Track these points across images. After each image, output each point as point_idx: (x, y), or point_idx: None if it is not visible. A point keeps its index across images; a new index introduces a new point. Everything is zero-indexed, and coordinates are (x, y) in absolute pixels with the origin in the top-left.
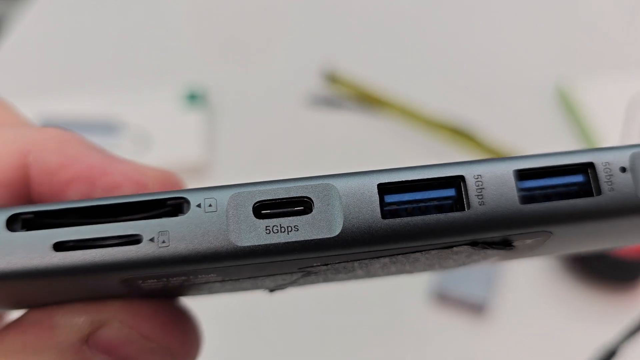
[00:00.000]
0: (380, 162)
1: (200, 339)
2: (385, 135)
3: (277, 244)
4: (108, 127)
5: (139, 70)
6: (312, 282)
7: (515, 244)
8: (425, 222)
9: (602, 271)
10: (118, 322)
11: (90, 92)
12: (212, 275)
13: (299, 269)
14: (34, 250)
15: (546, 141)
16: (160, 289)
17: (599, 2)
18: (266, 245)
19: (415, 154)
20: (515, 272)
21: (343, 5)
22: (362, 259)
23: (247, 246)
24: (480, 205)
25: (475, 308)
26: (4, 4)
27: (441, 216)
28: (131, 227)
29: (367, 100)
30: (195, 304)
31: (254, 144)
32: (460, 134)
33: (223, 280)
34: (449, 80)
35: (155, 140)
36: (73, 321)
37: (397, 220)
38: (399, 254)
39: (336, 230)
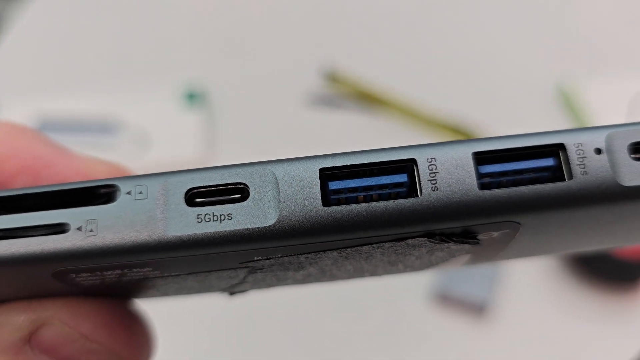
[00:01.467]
0: None
1: (151, 343)
2: (385, 135)
3: (207, 233)
4: (107, 127)
5: (138, 69)
6: (266, 283)
7: (480, 237)
8: (371, 210)
9: (603, 272)
10: (59, 321)
11: (89, 92)
12: (147, 269)
13: (240, 263)
14: None
15: None
16: (100, 285)
17: (601, 1)
18: (196, 235)
19: None
20: (517, 273)
21: (343, 4)
22: (306, 253)
23: (176, 236)
24: (433, 191)
25: (476, 308)
26: (1, 4)
27: (389, 203)
28: (58, 216)
29: (367, 100)
30: (186, 306)
31: (254, 143)
32: (460, 133)
33: (163, 276)
34: (449, 80)
35: (154, 140)
36: (13, 320)
37: (340, 208)
38: (347, 247)
39: (271, 220)
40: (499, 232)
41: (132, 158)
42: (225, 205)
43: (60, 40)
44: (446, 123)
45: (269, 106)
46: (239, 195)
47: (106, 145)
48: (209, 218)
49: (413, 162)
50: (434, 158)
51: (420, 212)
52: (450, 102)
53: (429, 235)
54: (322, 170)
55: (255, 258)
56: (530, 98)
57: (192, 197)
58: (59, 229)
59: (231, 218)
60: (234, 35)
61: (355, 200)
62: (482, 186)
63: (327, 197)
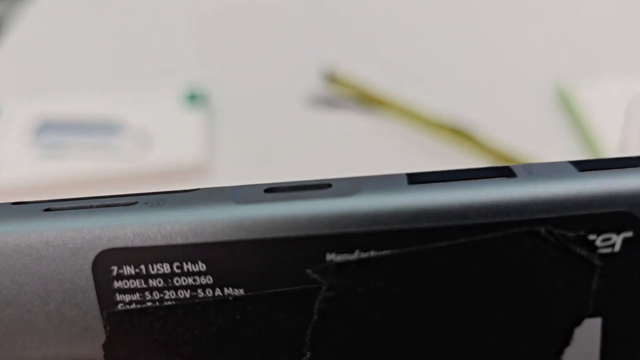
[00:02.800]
0: (380, 162)
1: None
2: (385, 135)
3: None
4: (108, 128)
5: (139, 70)
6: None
7: (599, 246)
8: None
9: None
10: None
11: (90, 93)
12: (200, 266)
13: (310, 276)
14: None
15: (546, 141)
16: (140, 315)
17: (600, 2)
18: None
19: (415, 154)
20: None
21: (343, 5)
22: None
23: (245, 206)
24: (529, 173)
25: None
26: (3, 5)
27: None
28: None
29: (367, 101)
30: None
31: (255, 144)
32: (460, 134)
33: (212, 300)
34: (448, 81)
35: (155, 141)
36: None
37: (427, 185)
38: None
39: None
40: (620, 237)
41: (133, 159)
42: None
43: (62, 42)
44: (445, 124)
45: (270, 107)
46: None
47: (107, 146)
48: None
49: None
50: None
51: (519, 191)
52: (450, 103)
53: (531, 224)
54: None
55: (328, 258)
56: (529, 99)
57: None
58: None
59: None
60: (235, 36)
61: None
62: (581, 168)
63: (413, 177)
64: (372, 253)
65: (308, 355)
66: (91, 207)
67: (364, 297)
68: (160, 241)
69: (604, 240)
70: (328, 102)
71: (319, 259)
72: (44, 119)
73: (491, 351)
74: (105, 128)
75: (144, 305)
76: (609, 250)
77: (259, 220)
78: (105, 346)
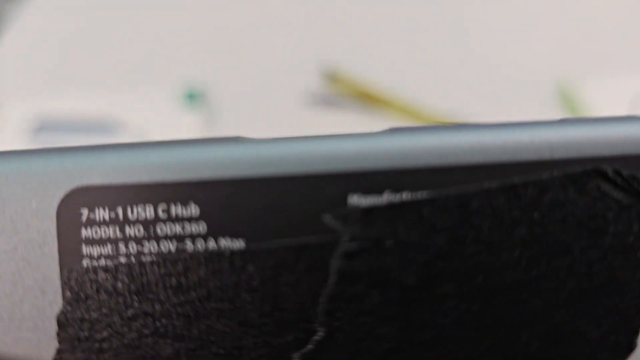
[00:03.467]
0: None
1: None
2: None
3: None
4: (105, 127)
5: (137, 69)
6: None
7: None
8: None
9: None
10: None
11: (88, 92)
12: (192, 208)
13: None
14: None
15: None
16: (109, 277)
17: (603, 0)
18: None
19: None
20: None
21: (343, 4)
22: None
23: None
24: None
25: None
26: (0, 3)
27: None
28: None
29: (368, 100)
30: None
31: None
32: None
33: (203, 255)
34: (449, 79)
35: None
36: None
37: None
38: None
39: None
40: None
41: None
42: None
43: (60, 40)
44: (446, 123)
45: (269, 106)
46: None
47: None
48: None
49: None
50: None
51: (578, 127)
52: (451, 102)
53: (594, 162)
54: None
55: (350, 202)
56: (531, 97)
57: None
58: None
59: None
60: (234, 34)
61: None
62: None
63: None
64: (406, 195)
65: (321, 333)
66: (65, 149)
67: (395, 252)
68: (143, 177)
69: None
70: (328, 101)
71: (339, 202)
72: (41, 118)
73: (549, 333)
74: (103, 127)
75: (115, 262)
76: None
77: (266, 153)
78: (59, 318)
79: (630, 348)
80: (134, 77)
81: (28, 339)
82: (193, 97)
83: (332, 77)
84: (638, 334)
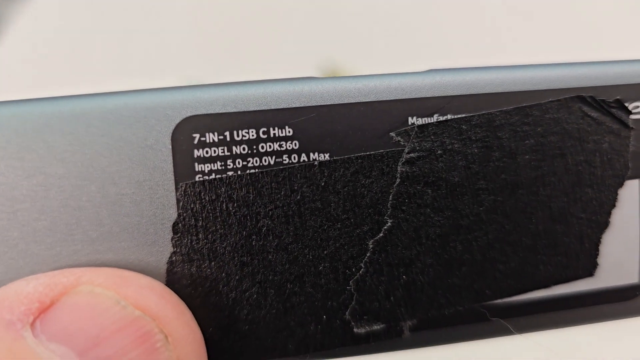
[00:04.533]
0: None
1: (198, 331)
2: None
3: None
4: None
5: (137, 69)
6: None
7: (633, 112)
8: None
9: None
10: (88, 284)
11: (87, 92)
12: (287, 130)
13: (392, 138)
14: None
15: None
16: (220, 185)
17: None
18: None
19: None
20: None
21: (344, 3)
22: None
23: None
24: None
25: None
26: (1, 3)
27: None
28: None
29: None
30: None
31: None
32: None
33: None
34: None
35: None
36: (16, 289)
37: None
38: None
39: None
40: None
41: None
42: None
43: (60, 40)
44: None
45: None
46: None
47: None
48: None
49: None
50: None
51: (567, 67)
52: None
53: (578, 91)
54: None
55: (410, 122)
56: None
57: None
58: None
59: None
60: (234, 34)
61: None
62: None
63: None
64: (449, 116)
65: (389, 223)
66: (175, 87)
67: (443, 159)
68: (247, 107)
69: (635, 107)
70: None
71: (402, 123)
72: None
73: (552, 215)
74: None
75: (224, 175)
76: (638, 116)
77: (345, 86)
78: (175, 225)
79: (605, 226)
80: (134, 77)
81: (147, 246)
82: None
83: (332, 75)
84: (610, 214)
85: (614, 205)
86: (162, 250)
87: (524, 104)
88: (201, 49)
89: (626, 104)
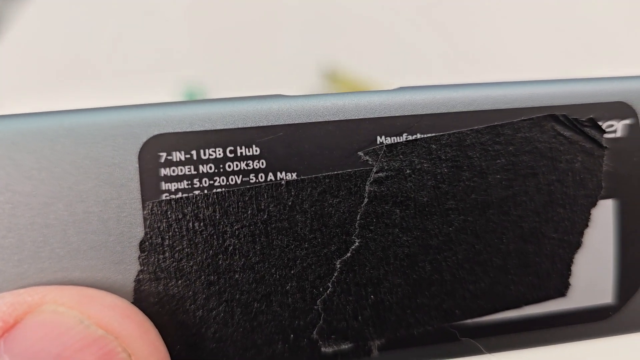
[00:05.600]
0: None
1: (163, 350)
2: None
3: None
4: None
5: (137, 69)
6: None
7: (606, 131)
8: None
9: None
10: (52, 304)
11: (88, 92)
12: (254, 149)
13: (360, 156)
14: None
15: None
16: (186, 204)
17: (602, 1)
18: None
19: None
20: None
21: (344, 3)
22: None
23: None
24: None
25: None
26: (0, 3)
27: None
28: None
29: None
30: None
31: None
32: None
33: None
34: (449, 78)
35: None
36: None
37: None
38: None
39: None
40: (620, 124)
41: None
42: None
43: (60, 41)
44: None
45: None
46: None
47: None
48: None
49: None
50: None
51: (540, 85)
52: None
53: (550, 110)
54: None
55: (379, 141)
56: None
57: None
58: None
59: None
60: (234, 35)
61: None
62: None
63: None
64: (419, 135)
65: (357, 243)
66: (142, 105)
67: (412, 179)
68: (214, 125)
69: (608, 126)
70: None
71: (371, 142)
72: None
73: (523, 235)
74: None
75: (191, 194)
76: (612, 135)
77: (313, 105)
78: (141, 244)
79: (577, 246)
80: (134, 77)
81: (114, 264)
82: (193, 97)
83: (332, 77)
84: (582, 235)
85: (586, 225)
86: (129, 268)
87: (496, 123)
88: (200, 53)
89: (600, 123)
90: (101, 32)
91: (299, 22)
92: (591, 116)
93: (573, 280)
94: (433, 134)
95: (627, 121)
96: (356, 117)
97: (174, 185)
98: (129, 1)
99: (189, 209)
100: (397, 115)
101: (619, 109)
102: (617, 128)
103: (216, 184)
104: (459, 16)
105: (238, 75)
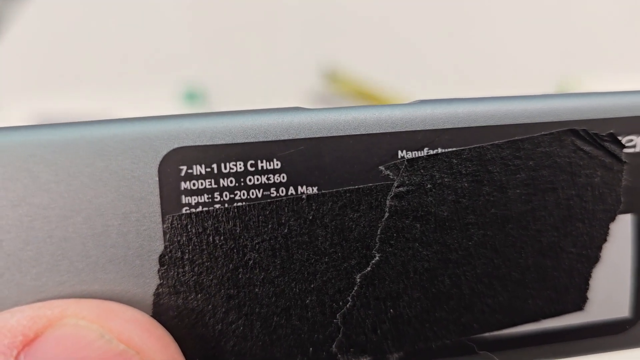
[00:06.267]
0: None
1: None
2: None
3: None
4: None
5: (137, 68)
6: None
7: (625, 146)
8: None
9: None
10: (73, 317)
11: (88, 91)
12: (275, 163)
13: (382, 172)
14: None
15: None
16: (206, 218)
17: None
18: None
19: None
20: None
21: (344, 3)
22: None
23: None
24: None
25: None
26: (0, 3)
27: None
28: None
29: (367, 99)
30: None
31: None
32: None
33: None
34: (449, 78)
35: None
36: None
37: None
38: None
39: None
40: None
41: None
42: None
43: (60, 40)
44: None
45: (269, 105)
46: None
47: None
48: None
49: None
50: None
51: (560, 100)
52: None
53: (570, 125)
54: None
55: (400, 156)
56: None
57: None
58: None
59: None
60: (234, 34)
61: None
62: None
63: None
64: (440, 150)
65: (377, 257)
66: (164, 116)
67: (432, 193)
68: (235, 139)
69: (628, 141)
70: (328, 101)
71: (392, 157)
72: (41, 118)
73: (542, 249)
74: None
75: (211, 208)
76: (632, 150)
77: (335, 118)
78: (161, 257)
79: (596, 260)
80: (134, 77)
81: (134, 278)
82: (193, 97)
83: (332, 77)
84: (601, 249)
85: (605, 240)
86: (148, 282)
87: (516, 138)
88: (200, 53)
89: (619, 138)
90: (101, 32)
91: (299, 22)
92: (611, 131)
93: (591, 294)
94: (454, 149)
95: None
96: (377, 132)
97: (195, 199)
98: (129, 1)
99: (210, 222)
100: (418, 129)
101: (639, 124)
102: (636, 143)
103: (237, 197)
104: (459, 16)
105: (238, 75)
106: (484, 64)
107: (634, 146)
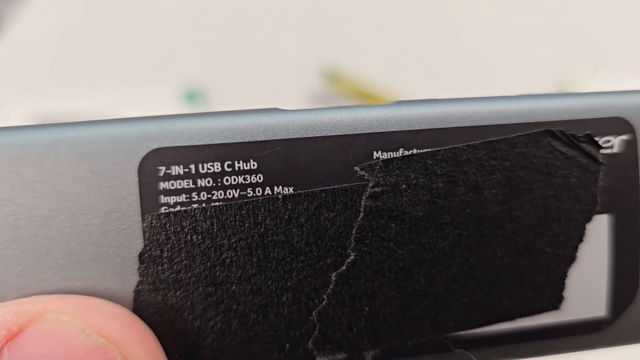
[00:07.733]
0: None
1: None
2: None
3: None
4: None
5: (137, 68)
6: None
7: (602, 146)
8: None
9: None
10: (54, 313)
11: (88, 91)
12: (251, 164)
13: (357, 172)
14: None
15: None
16: (184, 217)
17: (603, 15)
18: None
19: None
20: None
21: (343, 3)
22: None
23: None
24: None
25: None
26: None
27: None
28: None
29: (367, 99)
30: None
31: None
32: None
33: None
34: (449, 78)
35: None
36: None
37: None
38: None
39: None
40: (617, 139)
41: None
42: None
43: (60, 40)
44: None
45: (269, 105)
46: None
47: None
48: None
49: None
50: None
51: (537, 101)
52: None
53: (547, 125)
54: None
55: (375, 156)
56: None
57: None
58: None
59: None
60: (234, 34)
61: None
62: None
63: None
64: (415, 150)
65: (352, 256)
66: (141, 118)
67: (407, 194)
68: (212, 140)
69: (605, 142)
70: (328, 101)
71: (367, 157)
72: (41, 118)
73: (518, 249)
74: None
75: (189, 207)
76: (609, 150)
77: (311, 119)
78: (141, 255)
79: (572, 260)
80: (134, 77)
81: (115, 275)
82: (193, 97)
83: (332, 77)
84: (577, 249)
85: (581, 240)
86: (129, 279)
87: (492, 138)
88: (200, 53)
89: (597, 138)
90: (101, 32)
91: (299, 22)
92: (588, 132)
93: (567, 293)
94: (429, 149)
95: (624, 137)
96: (353, 132)
97: (173, 199)
98: (129, 1)
99: (187, 222)
100: (393, 130)
101: (616, 125)
102: (614, 144)
103: (214, 197)
104: (459, 17)
105: (238, 75)
106: (484, 64)
107: (611, 147)
